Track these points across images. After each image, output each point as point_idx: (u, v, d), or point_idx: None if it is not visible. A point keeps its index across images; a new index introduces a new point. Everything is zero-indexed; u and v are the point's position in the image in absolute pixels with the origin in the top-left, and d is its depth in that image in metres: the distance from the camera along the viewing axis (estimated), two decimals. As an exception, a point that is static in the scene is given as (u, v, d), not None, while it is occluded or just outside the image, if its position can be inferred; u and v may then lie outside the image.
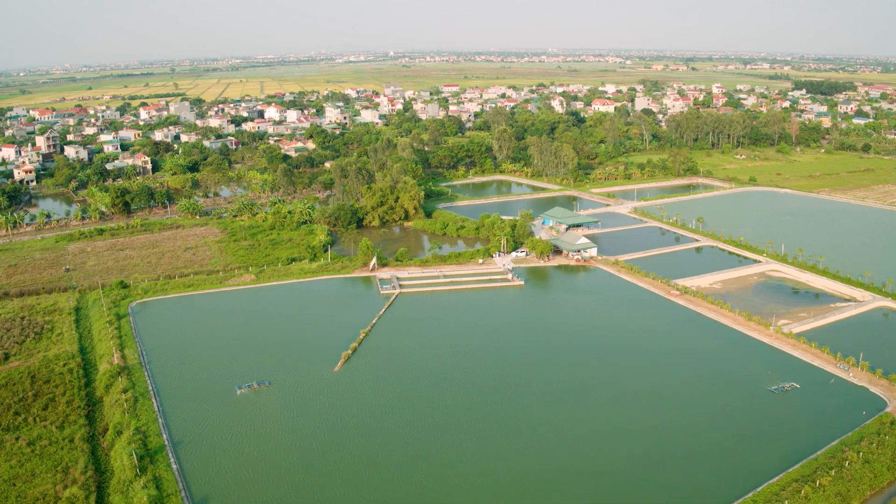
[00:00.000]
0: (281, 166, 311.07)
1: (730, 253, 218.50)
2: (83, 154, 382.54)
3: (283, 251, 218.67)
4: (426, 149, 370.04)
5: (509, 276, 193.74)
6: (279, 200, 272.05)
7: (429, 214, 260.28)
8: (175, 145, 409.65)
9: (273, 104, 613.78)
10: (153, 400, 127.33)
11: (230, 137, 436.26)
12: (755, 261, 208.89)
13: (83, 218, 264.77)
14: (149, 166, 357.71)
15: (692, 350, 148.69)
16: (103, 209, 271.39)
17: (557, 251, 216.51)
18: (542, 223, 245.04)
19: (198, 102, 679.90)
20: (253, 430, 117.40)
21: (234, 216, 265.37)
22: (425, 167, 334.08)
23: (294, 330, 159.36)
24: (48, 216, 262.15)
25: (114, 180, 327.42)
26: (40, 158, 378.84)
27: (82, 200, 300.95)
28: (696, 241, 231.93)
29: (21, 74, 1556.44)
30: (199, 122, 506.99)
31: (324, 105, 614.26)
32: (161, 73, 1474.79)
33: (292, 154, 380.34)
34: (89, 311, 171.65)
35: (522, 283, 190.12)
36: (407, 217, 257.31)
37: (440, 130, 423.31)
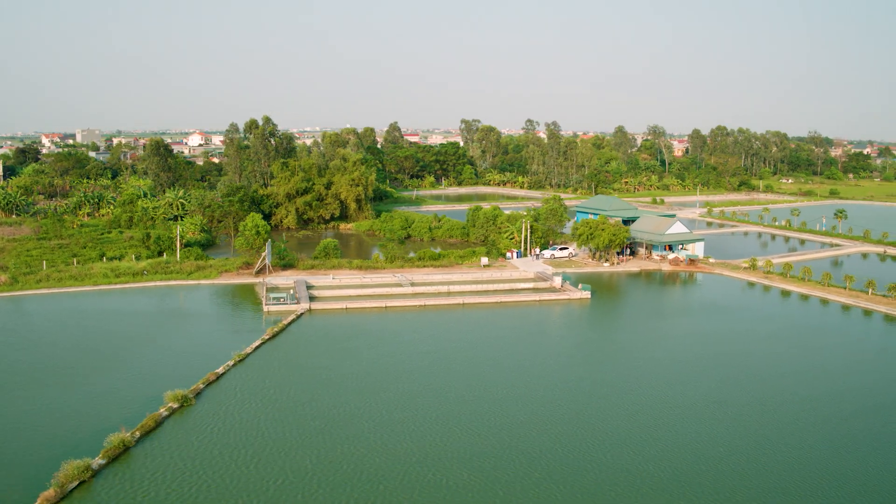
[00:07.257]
0: (152, 140, 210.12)
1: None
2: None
3: (112, 251, 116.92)
4: (380, 147, 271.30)
5: (556, 281, 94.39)
6: (145, 194, 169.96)
7: (379, 215, 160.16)
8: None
9: (200, 132, 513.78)
10: None
11: (126, 149, 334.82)
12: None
13: None
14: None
15: None
16: None
17: (624, 249, 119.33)
18: (576, 220, 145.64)
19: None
20: None
21: (75, 214, 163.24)
22: (378, 174, 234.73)
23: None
24: None
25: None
26: None
27: None
28: (840, 245, 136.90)
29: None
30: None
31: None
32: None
33: (199, 163, 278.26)
34: None
35: (588, 294, 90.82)
36: (345, 216, 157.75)
37: (398, 133, 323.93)
